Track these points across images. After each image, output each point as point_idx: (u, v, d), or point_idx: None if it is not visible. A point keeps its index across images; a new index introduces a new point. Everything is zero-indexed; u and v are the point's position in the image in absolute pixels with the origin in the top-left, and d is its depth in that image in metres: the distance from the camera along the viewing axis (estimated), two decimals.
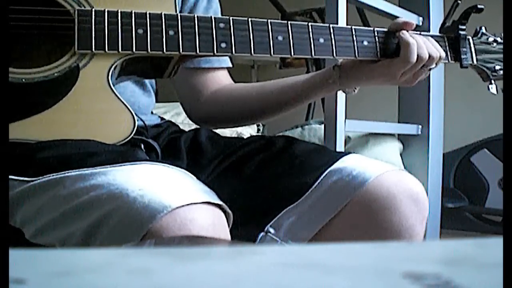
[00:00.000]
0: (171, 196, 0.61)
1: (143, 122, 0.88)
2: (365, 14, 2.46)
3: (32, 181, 0.68)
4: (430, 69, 0.91)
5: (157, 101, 1.04)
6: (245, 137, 0.98)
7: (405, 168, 1.71)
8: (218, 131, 1.00)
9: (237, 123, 1.07)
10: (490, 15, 1.10)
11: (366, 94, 2.71)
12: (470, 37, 0.97)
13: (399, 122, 1.84)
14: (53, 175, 0.67)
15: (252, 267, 0.24)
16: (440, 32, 0.97)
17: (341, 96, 1.41)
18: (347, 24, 1.36)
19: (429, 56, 0.88)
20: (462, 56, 0.95)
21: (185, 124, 1.16)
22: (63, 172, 0.66)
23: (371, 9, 1.60)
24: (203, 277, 0.23)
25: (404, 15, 1.64)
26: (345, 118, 1.44)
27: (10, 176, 0.68)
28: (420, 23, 1.74)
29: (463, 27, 0.95)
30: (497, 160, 2.49)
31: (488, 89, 0.97)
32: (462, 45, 0.94)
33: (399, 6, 1.77)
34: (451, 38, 0.95)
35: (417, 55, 0.87)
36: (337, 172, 0.81)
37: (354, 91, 0.95)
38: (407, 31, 0.89)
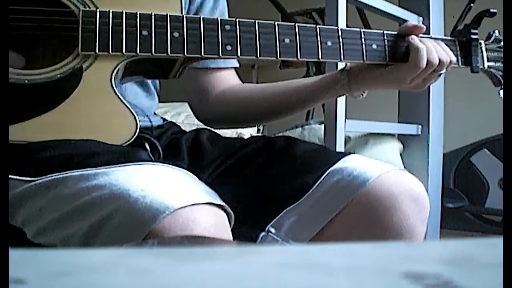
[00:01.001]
0: (173, 197, 0.61)
1: (151, 122, 0.88)
2: (365, 14, 2.46)
3: (34, 180, 0.68)
4: (440, 74, 0.90)
5: (158, 102, 1.04)
6: (245, 137, 0.98)
7: (405, 168, 1.71)
8: (219, 131, 1.00)
9: (244, 124, 1.07)
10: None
11: (366, 94, 2.70)
12: (482, 41, 0.95)
13: (399, 122, 1.84)
14: (55, 175, 0.67)
15: (253, 267, 0.24)
16: (451, 36, 0.95)
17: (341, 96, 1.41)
18: (347, 25, 1.36)
19: (439, 61, 0.87)
20: (473, 61, 0.93)
21: (186, 124, 1.16)
22: (65, 172, 0.66)
23: (371, 9, 1.60)
24: (204, 277, 0.23)
25: (404, 15, 1.65)
26: (345, 118, 1.44)
27: (12, 176, 0.68)
28: (420, 23, 1.74)
29: (475, 31, 0.94)
30: (497, 160, 2.49)
31: (499, 94, 0.95)
32: (473, 50, 0.93)
33: (399, 6, 1.76)
34: (463, 42, 0.93)
35: (427, 60, 0.86)
36: (338, 172, 0.81)
37: (362, 95, 0.95)
38: (417, 35, 0.89)
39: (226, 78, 1.02)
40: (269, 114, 1.01)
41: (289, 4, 2.73)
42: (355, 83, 0.92)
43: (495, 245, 0.27)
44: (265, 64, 3.65)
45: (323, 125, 1.53)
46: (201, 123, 1.07)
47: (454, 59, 0.90)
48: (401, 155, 1.79)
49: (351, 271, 0.24)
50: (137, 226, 0.59)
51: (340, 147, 1.42)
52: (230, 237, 0.65)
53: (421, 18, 1.74)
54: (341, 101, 1.42)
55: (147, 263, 0.24)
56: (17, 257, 0.24)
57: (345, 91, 0.94)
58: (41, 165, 0.69)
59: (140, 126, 0.78)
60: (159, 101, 1.06)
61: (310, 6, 2.64)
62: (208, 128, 1.00)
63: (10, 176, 0.68)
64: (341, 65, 1.40)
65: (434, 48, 0.87)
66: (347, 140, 1.74)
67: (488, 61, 0.95)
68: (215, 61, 1.00)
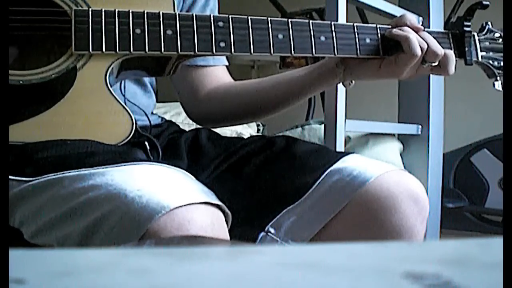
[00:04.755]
0: (170, 197, 0.61)
1: (149, 121, 0.88)
2: (365, 14, 2.46)
3: (31, 181, 0.68)
4: (431, 63, 0.87)
5: (157, 101, 1.04)
6: (245, 137, 0.98)
7: (405, 168, 1.71)
8: (218, 131, 1.00)
9: (237, 121, 1.07)
10: (496, 10, 1.10)
11: (366, 94, 2.71)
12: (475, 33, 0.95)
13: (399, 122, 1.84)
14: (51, 175, 0.67)
15: (252, 267, 0.24)
16: (444, 29, 0.95)
17: (341, 96, 1.41)
18: None
19: (427, 46, 0.86)
20: (467, 53, 0.93)
21: (185, 124, 1.16)
22: (61, 172, 0.66)
23: (371, 9, 1.60)
24: (203, 277, 0.23)
25: None
26: (345, 118, 1.44)
27: (9, 176, 0.68)
28: (420, 23, 1.74)
29: (468, 23, 0.93)
30: (497, 160, 2.49)
31: (494, 86, 0.95)
32: (467, 42, 0.92)
33: (399, 6, 1.77)
34: (456, 35, 0.93)
35: (420, 47, 0.85)
36: (338, 172, 0.81)
37: (351, 83, 0.94)
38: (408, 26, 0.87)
39: (216, 75, 1.02)
40: (262, 109, 1.00)
41: (289, 4, 2.74)
42: (350, 76, 0.91)
43: (495, 245, 0.27)
44: (265, 63, 3.65)
45: (323, 125, 1.53)
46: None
47: (441, 51, 0.88)
48: (401, 155, 1.79)
49: (351, 271, 0.24)
50: (133, 226, 0.59)
51: (340, 147, 1.42)
52: (227, 237, 0.65)
53: (421, 18, 1.74)
54: (341, 101, 1.42)
55: (147, 263, 0.24)
56: (17, 257, 0.24)
57: (338, 82, 0.94)
58: (37, 165, 0.69)
59: (137, 125, 0.77)
60: (159, 101, 1.06)
61: (310, 6, 2.64)
62: (208, 127, 1.00)
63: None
64: None
65: (417, 36, 0.86)
66: (347, 140, 1.74)
67: (481, 53, 0.95)
68: (205, 59, 0.99)
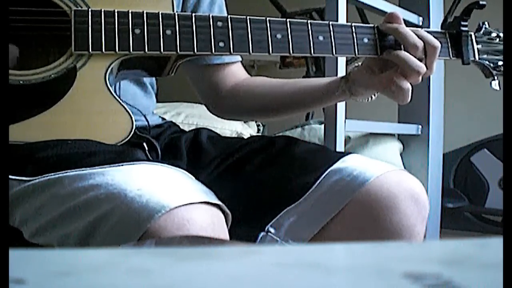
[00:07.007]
0: (169, 196, 0.61)
1: (147, 122, 0.88)
2: (365, 14, 2.46)
3: (31, 180, 0.68)
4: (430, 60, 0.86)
5: (157, 101, 1.04)
6: (245, 137, 0.98)
7: (405, 168, 1.71)
8: (218, 131, 1.00)
9: (257, 117, 1.07)
10: (492, 10, 1.09)
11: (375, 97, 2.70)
12: (472, 33, 0.95)
13: (399, 122, 1.84)
14: (51, 175, 0.67)
15: (252, 267, 0.24)
16: (441, 28, 0.95)
17: None
18: None
19: (423, 37, 0.85)
20: (464, 53, 0.93)
21: (185, 124, 1.16)
22: (61, 172, 0.66)
23: (371, 9, 1.60)
24: (203, 277, 0.23)
25: (404, 15, 1.64)
26: (345, 118, 1.44)
27: (9, 176, 0.68)
28: (420, 23, 1.74)
29: (465, 23, 0.93)
30: (497, 160, 2.49)
31: (491, 85, 0.95)
32: (464, 41, 0.92)
33: (399, 6, 1.77)
34: (453, 34, 0.93)
35: (418, 37, 0.84)
36: (338, 172, 0.81)
37: (372, 98, 0.93)
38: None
39: (234, 72, 1.03)
40: (283, 109, 1.02)
41: (289, 4, 2.73)
42: (354, 88, 0.91)
43: (495, 245, 0.27)
44: (265, 63, 3.65)
45: (323, 125, 1.53)
46: (200, 123, 1.07)
47: (438, 43, 0.87)
48: (401, 155, 1.79)
49: (351, 271, 0.24)
50: (133, 225, 0.59)
51: (340, 147, 1.42)
52: (227, 236, 0.65)
53: (421, 18, 1.74)
54: None
55: (147, 263, 0.24)
56: (17, 257, 0.24)
57: (347, 97, 0.93)
58: (37, 165, 0.69)
59: (137, 125, 0.78)
60: (159, 101, 1.06)
61: (310, 6, 2.64)
62: (208, 128, 1.00)
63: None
64: (340, 65, 1.41)
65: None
66: (347, 140, 1.74)
67: (478, 52, 0.95)
68: (219, 57, 1.00)
